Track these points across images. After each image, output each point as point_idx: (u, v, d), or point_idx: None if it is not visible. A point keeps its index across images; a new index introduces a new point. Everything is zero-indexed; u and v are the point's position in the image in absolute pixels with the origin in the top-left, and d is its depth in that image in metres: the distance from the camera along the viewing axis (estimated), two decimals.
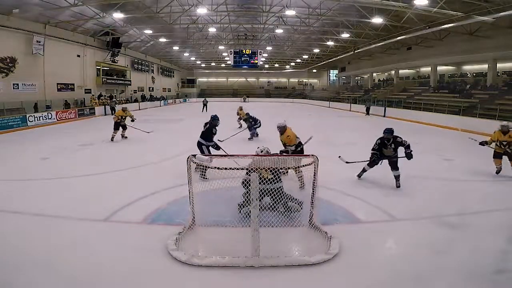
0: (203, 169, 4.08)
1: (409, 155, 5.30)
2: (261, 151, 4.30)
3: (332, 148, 8.89)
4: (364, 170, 5.85)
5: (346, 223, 3.99)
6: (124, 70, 28.06)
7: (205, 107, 23.85)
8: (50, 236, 3.59)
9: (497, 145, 6.20)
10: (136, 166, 6.76)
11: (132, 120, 10.48)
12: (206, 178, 4.22)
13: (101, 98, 22.62)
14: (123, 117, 10.16)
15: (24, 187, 5.41)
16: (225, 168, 3.17)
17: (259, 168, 3.36)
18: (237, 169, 3.18)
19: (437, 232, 3.75)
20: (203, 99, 26.74)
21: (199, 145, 6.10)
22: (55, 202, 4.62)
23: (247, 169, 3.32)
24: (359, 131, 13.53)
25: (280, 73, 48.56)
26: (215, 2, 17.42)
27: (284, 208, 3.80)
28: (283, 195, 3.68)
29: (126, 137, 10.48)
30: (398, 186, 5.35)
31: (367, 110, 21.90)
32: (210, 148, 6.10)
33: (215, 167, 3.25)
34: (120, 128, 10.24)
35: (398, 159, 5.46)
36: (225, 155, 3.54)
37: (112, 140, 10.07)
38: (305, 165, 3.52)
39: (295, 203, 3.98)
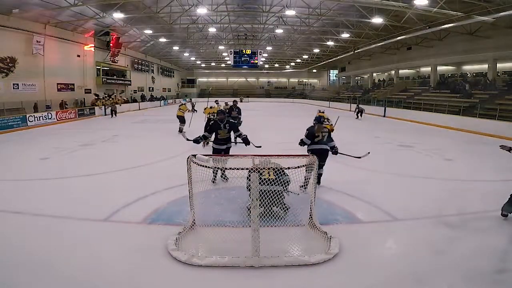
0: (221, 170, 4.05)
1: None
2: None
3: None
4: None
5: (346, 223, 3.99)
6: (124, 70, 28.07)
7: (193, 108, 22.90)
8: (50, 236, 3.59)
9: None
10: (136, 166, 6.76)
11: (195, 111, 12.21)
12: (226, 179, 4.26)
13: (101, 99, 22.58)
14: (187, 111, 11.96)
15: (24, 187, 5.41)
16: (225, 168, 3.16)
17: (261, 168, 3.35)
18: (239, 169, 3.17)
19: (437, 232, 3.75)
20: (188, 99, 25.96)
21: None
22: (55, 202, 4.62)
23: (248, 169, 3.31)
24: (358, 130, 13.53)
25: (280, 73, 48.58)
26: (215, 2, 17.43)
27: (269, 213, 3.74)
28: (278, 198, 3.65)
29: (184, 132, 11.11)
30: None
31: (359, 113, 18.69)
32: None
33: (215, 167, 3.25)
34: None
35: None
36: (225, 155, 3.53)
37: (180, 131, 11.02)
38: (305, 165, 3.52)
39: (281, 208, 3.90)
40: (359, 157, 5.74)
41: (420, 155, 8.27)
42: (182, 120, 11.56)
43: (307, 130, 5.22)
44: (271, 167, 3.79)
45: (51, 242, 3.43)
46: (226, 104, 12.03)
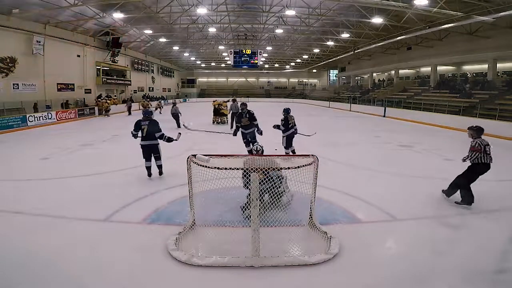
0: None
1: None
2: (257, 150, 4.45)
3: (332, 148, 8.91)
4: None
5: (346, 223, 3.99)
6: (124, 70, 28.06)
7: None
8: (50, 236, 3.59)
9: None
10: (136, 166, 6.74)
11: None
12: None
13: (101, 98, 22.51)
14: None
15: (25, 187, 5.41)
16: (225, 168, 3.16)
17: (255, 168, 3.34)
18: (237, 169, 3.17)
19: (437, 232, 3.75)
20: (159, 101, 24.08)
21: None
22: (55, 202, 4.62)
23: (245, 169, 3.30)
24: (359, 130, 13.52)
25: (280, 73, 48.58)
26: (215, 2, 17.43)
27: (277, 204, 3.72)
28: (279, 190, 3.64)
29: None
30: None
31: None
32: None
33: (215, 167, 3.24)
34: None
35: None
36: (224, 155, 3.53)
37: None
38: (305, 165, 3.52)
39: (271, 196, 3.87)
40: (309, 135, 7.78)
41: (420, 155, 8.27)
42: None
43: (282, 120, 7.03)
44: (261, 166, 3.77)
45: (51, 242, 3.43)
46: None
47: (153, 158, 5.84)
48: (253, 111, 7.33)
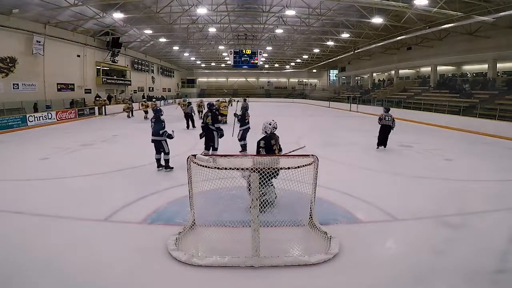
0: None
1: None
2: (269, 124, 4.56)
3: (332, 148, 8.92)
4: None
5: (346, 223, 3.99)
6: (124, 70, 28.05)
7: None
8: (50, 236, 3.59)
9: None
10: (137, 166, 6.76)
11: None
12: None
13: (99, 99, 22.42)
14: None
15: (24, 187, 5.41)
16: (225, 168, 3.16)
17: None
18: (237, 169, 3.16)
19: (437, 232, 3.75)
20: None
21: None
22: (55, 202, 4.62)
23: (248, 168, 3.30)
24: (359, 131, 13.51)
25: (280, 73, 48.56)
26: (215, 2, 17.42)
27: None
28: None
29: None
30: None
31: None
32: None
33: (215, 167, 3.23)
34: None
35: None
36: (224, 155, 3.52)
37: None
38: (305, 165, 3.51)
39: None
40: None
41: (420, 155, 8.27)
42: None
43: (240, 115, 8.01)
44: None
45: (51, 242, 3.43)
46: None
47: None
48: (218, 113, 7.15)
